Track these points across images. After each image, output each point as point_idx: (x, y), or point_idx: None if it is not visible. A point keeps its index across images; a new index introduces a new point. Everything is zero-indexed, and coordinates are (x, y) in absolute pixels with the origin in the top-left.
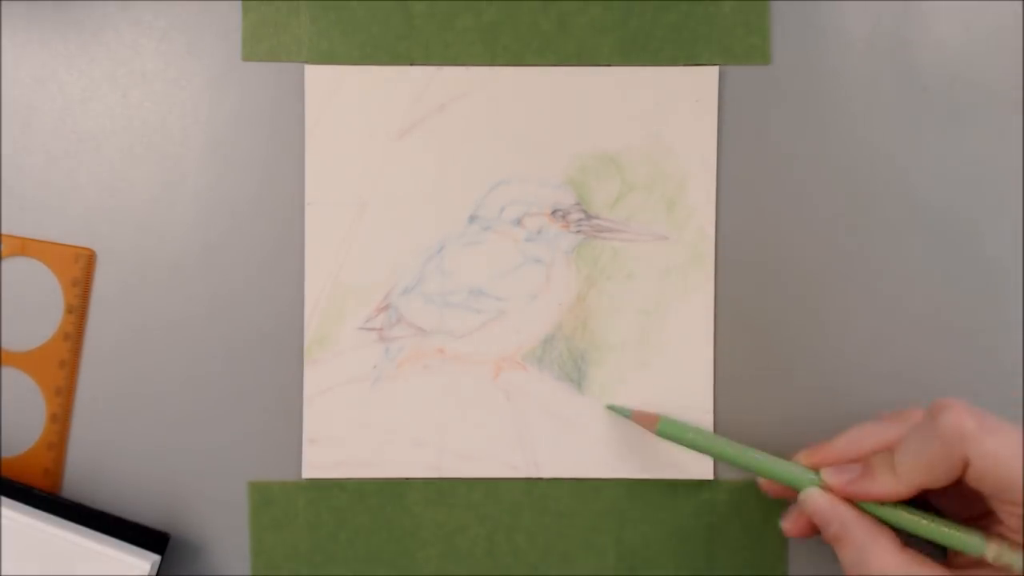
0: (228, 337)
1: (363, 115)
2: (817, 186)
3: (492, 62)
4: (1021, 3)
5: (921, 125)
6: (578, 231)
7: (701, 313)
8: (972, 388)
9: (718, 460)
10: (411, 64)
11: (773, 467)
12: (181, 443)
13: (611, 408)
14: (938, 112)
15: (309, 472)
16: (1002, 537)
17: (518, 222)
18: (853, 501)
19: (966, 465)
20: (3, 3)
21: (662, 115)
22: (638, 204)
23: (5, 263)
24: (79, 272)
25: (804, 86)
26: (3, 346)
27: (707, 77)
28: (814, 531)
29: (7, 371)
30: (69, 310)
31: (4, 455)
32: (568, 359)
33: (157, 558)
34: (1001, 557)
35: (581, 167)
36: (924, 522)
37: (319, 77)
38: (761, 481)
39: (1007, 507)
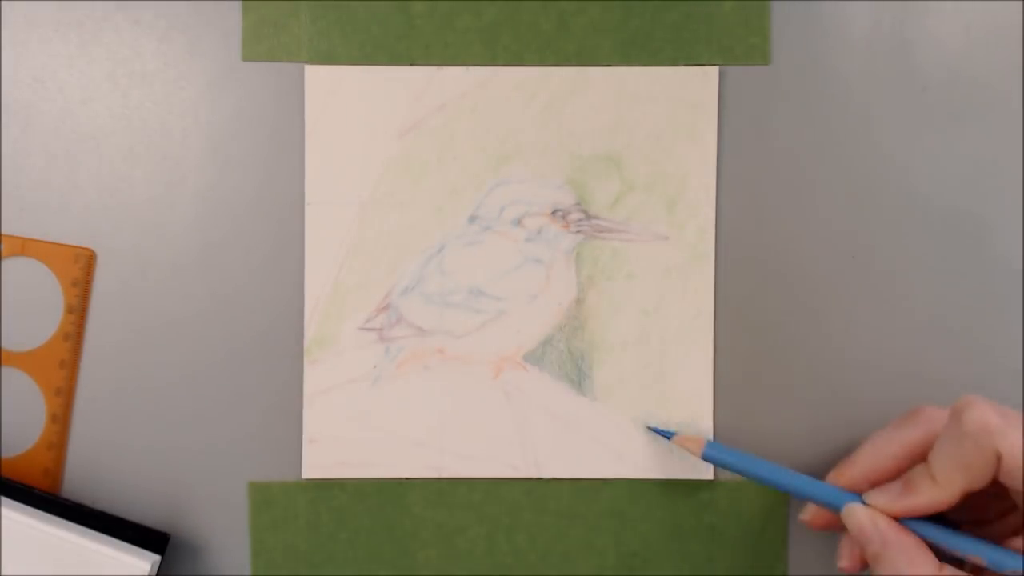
0: (228, 337)
1: (363, 115)
2: (817, 186)
3: (492, 62)
4: (1021, 3)
5: (921, 125)
6: (578, 231)
7: (701, 313)
8: (973, 388)
9: (758, 483)
10: (411, 64)
11: (812, 489)
12: (181, 443)
13: (653, 430)
14: (938, 112)
15: (309, 472)
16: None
17: (518, 222)
18: (899, 518)
19: (999, 460)
20: (3, 3)
21: (662, 115)
22: (638, 204)
23: (5, 263)
24: (79, 272)
25: (804, 86)
26: (3, 346)
27: (707, 77)
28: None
29: (7, 371)
30: (69, 310)
31: (4, 455)
32: (568, 359)
33: (157, 558)
34: None
35: (581, 167)
36: (966, 541)
37: (319, 77)
38: (804, 517)
39: None
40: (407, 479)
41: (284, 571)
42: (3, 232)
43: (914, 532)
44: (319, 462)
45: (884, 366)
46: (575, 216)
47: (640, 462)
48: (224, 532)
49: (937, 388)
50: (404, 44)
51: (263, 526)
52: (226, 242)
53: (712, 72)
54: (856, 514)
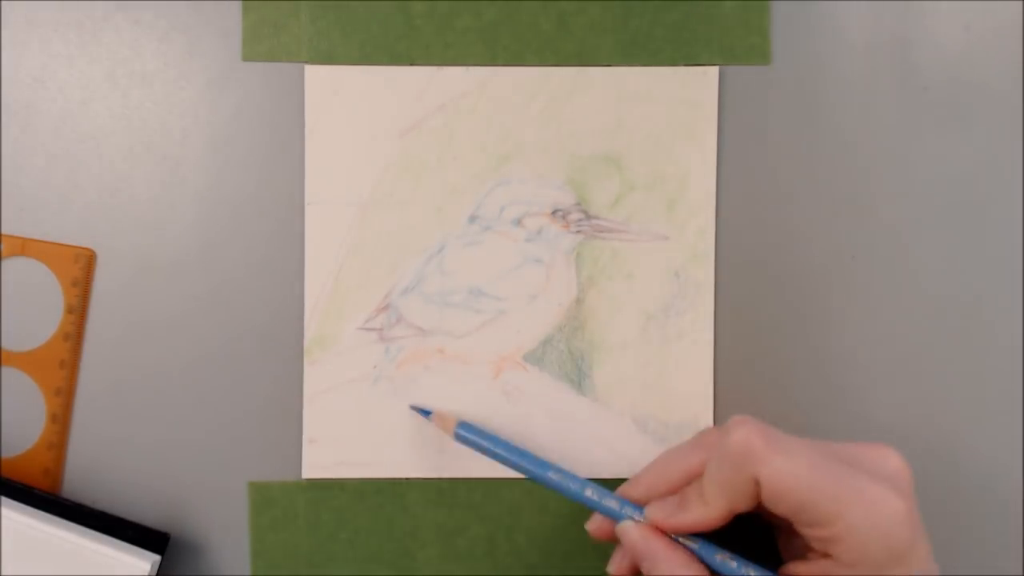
0: (228, 337)
1: (363, 115)
2: (817, 186)
3: (492, 62)
4: (1021, 3)
5: (921, 125)
6: (578, 231)
7: (701, 313)
8: (972, 387)
9: (525, 475)
10: (411, 64)
11: (596, 499)
12: (181, 443)
13: (413, 408)
14: (938, 112)
15: (309, 472)
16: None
17: (518, 222)
18: (675, 534)
19: (758, 485)
20: (3, 3)
21: (662, 115)
22: (638, 204)
23: (5, 263)
24: (79, 272)
25: (804, 86)
26: (3, 346)
27: (707, 77)
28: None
29: (7, 371)
30: (69, 310)
31: (4, 455)
32: (568, 359)
33: (157, 558)
34: None
35: (581, 167)
36: (732, 563)
37: (319, 77)
38: (589, 527)
39: (810, 531)
40: (407, 479)
41: (284, 571)
42: (3, 232)
43: (688, 549)
44: (319, 462)
45: (884, 366)
46: (575, 216)
47: (640, 462)
48: (224, 532)
49: (933, 386)
50: (404, 44)
51: (263, 526)
52: (226, 242)
53: (712, 72)
54: (629, 532)
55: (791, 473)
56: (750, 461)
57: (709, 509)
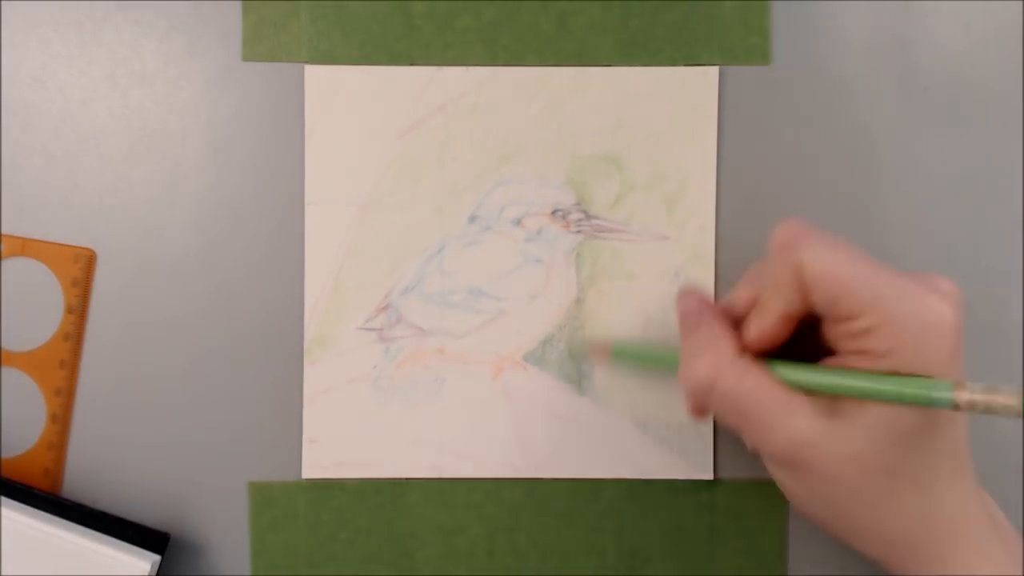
0: (228, 337)
1: (363, 115)
2: (817, 186)
3: (492, 62)
4: (1021, 3)
5: (921, 125)
6: (578, 231)
7: None
8: None
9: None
10: (411, 64)
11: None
12: (181, 443)
13: (569, 350)
14: (938, 112)
15: (309, 472)
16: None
17: (518, 222)
18: (753, 354)
19: (804, 275)
20: (3, 3)
21: (662, 115)
22: (638, 204)
23: (5, 263)
24: (79, 272)
25: (804, 86)
26: (3, 346)
27: (707, 77)
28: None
29: (7, 371)
30: (69, 310)
31: (4, 455)
32: (568, 359)
33: (157, 558)
34: (984, 399)
35: (581, 167)
36: (864, 380)
37: (319, 77)
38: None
39: (845, 327)
40: (407, 479)
41: (284, 571)
42: (3, 232)
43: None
44: (319, 462)
45: None
46: (575, 216)
47: (640, 462)
48: (224, 532)
49: None
50: (404, 44)
51: (263, 526)
52: (226, 242)
53: (712, 72)
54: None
55: (830, 257)
56: (790, 248)
57: (763, 317)
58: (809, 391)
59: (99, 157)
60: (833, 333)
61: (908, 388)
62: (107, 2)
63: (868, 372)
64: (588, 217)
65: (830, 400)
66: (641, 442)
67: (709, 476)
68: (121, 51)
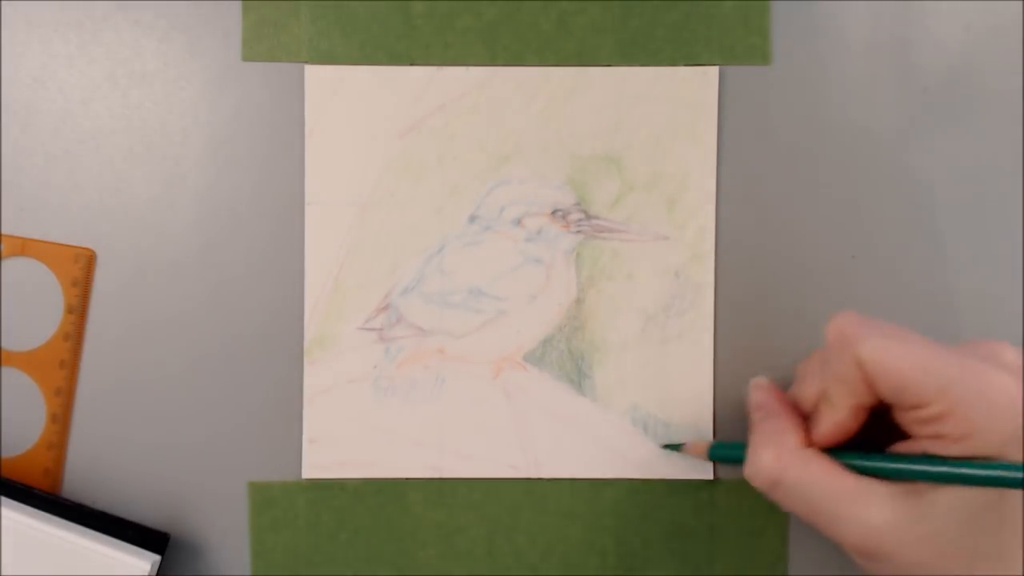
0: (228, 337)
1: (363, 115)
2: (817, 186)
3: (492, 62)
4: (1021, 3)
5: (921, 125)
6: (578, 231)
7: (701, 313)
8: None
9: None
10: (411, 64)
11: None
12: (181, 443)
13: (667, 447)
14: (938, 112)
15: (309, 472)
16: None
17: (518, 222)
18: (820, 448)
19: (865, 372)
20: (3, 3)
21: (662, 115)
22: (638, 204)
23: (5, 263)
24: (79, 272)
25: (804, 86)
26: (3, 346)
27: (707, 77)
28: None
29: (7, 371)
30: (69, 310)
31: (4, 455)
32: (568, 359)
33: (157, 558)
34: None
35: (581, 167)
36: (941, 467)
37: (319, 77)
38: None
39: (915, 414)
40: (407, 479)
41: (284, 571)
42: (3, 232)
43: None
44: (319, 462)
45: None
46: (575, 216)
47: (640, 462)
48: (224, 532)
49: None
50: (404, 44)
51: (263, 526)
52: (226, 242)
53: (712, 72)
54: (751, 392)
55: (889, 349)
56: (847, 343)
57: (835, 410)
58: (884, 477)
59: (99, 157)
60: (905, 419)
61: (987, 472)
62: (107, 2)
63: (942, 457)
64: (588, 217)
65: (904, 485)
66: (641, 442)
67: (709, 476)
68: (121, 51)
